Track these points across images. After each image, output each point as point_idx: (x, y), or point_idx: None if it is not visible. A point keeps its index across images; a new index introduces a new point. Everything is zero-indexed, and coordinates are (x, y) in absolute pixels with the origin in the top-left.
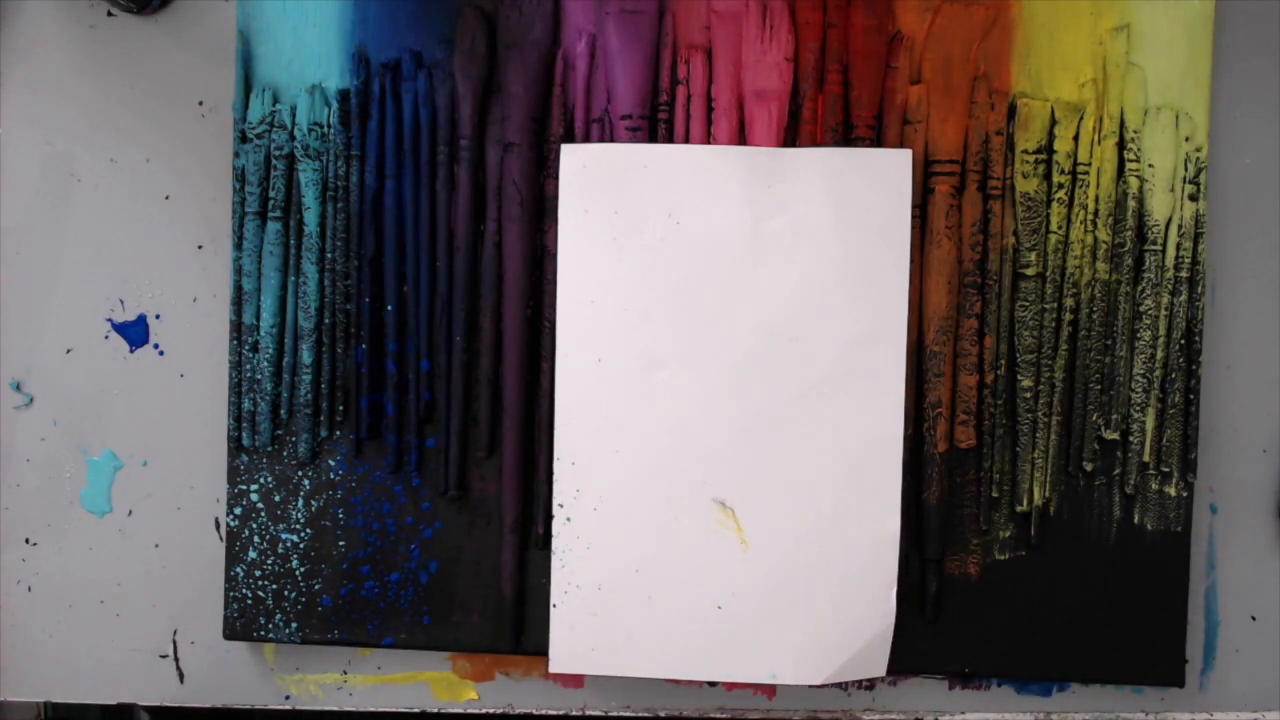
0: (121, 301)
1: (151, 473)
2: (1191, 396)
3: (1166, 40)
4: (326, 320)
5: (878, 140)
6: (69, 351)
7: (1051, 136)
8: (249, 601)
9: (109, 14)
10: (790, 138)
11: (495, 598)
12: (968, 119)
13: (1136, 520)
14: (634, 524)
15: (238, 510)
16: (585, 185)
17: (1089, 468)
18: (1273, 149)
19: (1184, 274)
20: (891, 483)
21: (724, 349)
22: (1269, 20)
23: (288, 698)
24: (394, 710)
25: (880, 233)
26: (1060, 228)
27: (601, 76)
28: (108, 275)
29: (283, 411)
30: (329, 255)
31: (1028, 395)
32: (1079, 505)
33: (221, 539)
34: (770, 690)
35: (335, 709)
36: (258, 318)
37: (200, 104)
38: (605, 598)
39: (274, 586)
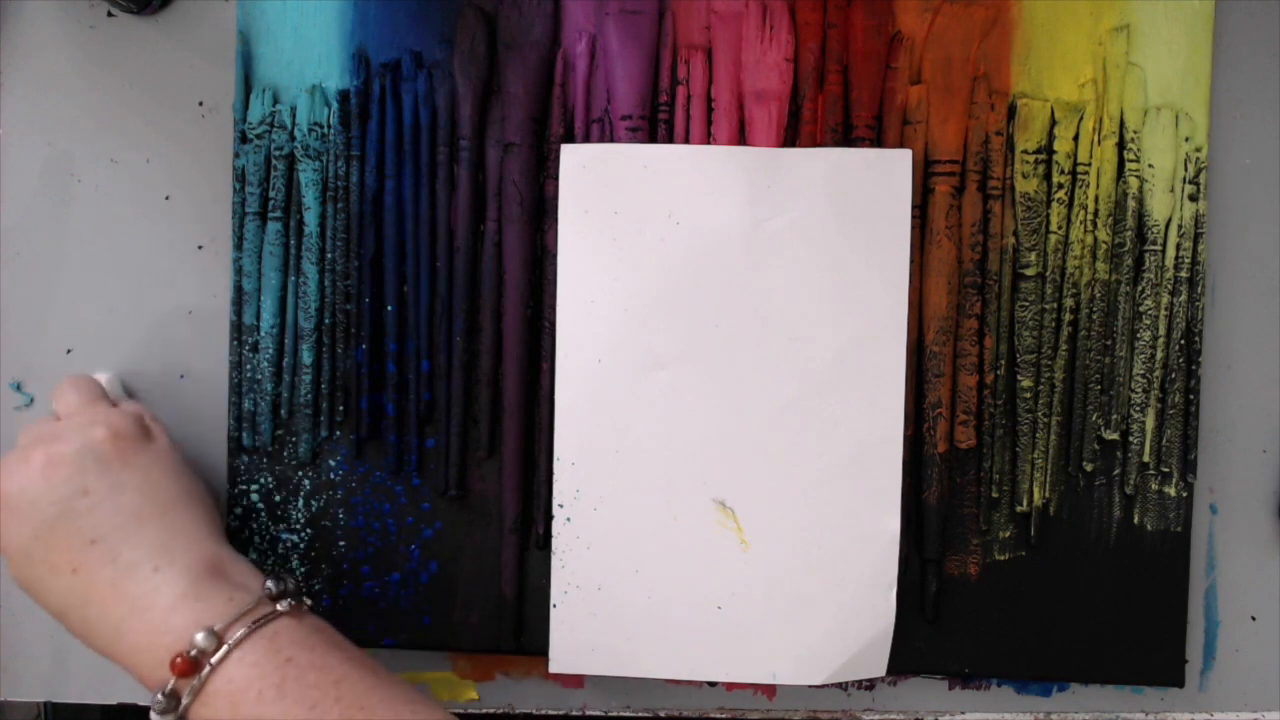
0: (121, 301)
1: None
2: (1191, 396)
3: (1166, 40)
4: (326, 320)
5: (878, 140)
6: (69, 352)
7: (1051, 136)
8: None
9: (109, 14)
10: (790, 138)
11: (495, 598)
12: (968, 119)
13: (1136, 520)
14: (634, 524)
15: (238, 510)
16: (585, 185)
17: (1089, 468)
18: (1273, 149)
19: (1184, 274)
20: (891, 483)
21: (724, 349)
22: (1269, 20)
23: None
24: None
25: (880, 233)
26: (1060, 228)
27: (601, 76)
28: (108, 275)
29: (283, 411)
30: (329, 255)
31: (1028, 395)
32: (1079, 505)
33: None
34: (770, 690)
35: None
36: (258, 318)
37: (200, 104)
38: (605, 598)
39: None
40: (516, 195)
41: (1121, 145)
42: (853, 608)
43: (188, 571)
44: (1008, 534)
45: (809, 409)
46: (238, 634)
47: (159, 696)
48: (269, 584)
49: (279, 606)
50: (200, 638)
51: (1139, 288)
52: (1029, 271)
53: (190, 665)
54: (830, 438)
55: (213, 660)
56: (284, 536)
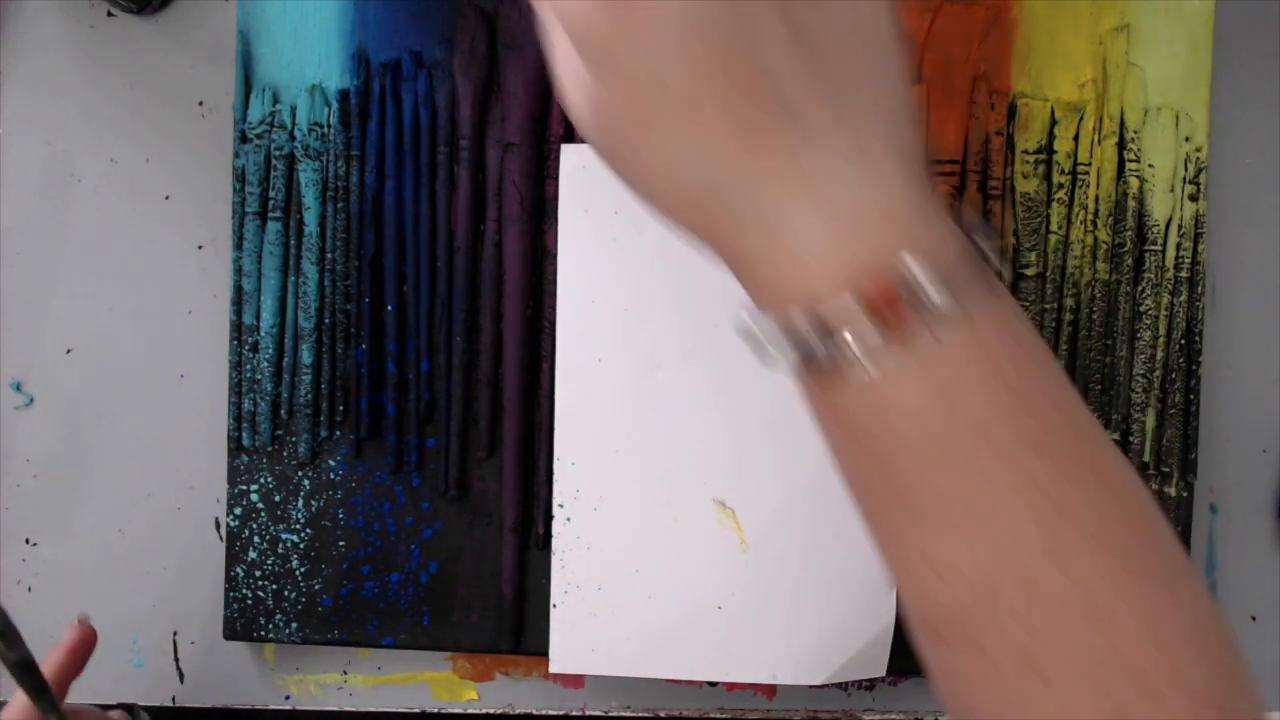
0: (121, 301)
1: (151, 473)
2: (1191, 396)
3: (1166, 40)
4: (326, 320)
5: None
6: (69, 351)
7: (1051, 136)
8: (249, 601)
9: (109, 14)
10: None
11: (495, 598)
12: (968, 119)
13: None
14: (634, 524)
15: (238, 510)
16: (585, 185)
17: None
18: (1273, 149)
19: (1184, 274)
20: None
21: (724, 349)
22: (1269, 20)
23: (288, 698)
24: (394, 710)
25: None
26: (1060, 228)
27: None
28: (108, 275)
29: (283, 411)
30: (329, 255)
31: None
32: None
33: (221, 539)
34: (770, 690)
35: (335, 709)
36: (258, 318)
37: (200, 104)
38: (605, 598)
39: (274, 586)
40: (516, 195)
41: (1121, 145)
42: (853, 608)
43: (905, 167)
44: None
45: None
46: (973, 294)
47: (798, 319)
48: (976, 231)
49: (994, 262)
50: (920, 273)
51: (1139, 288)
52: (1029, 271)
53: (892, 300)
54: None
55: (936, 324)
56: (284, 536)
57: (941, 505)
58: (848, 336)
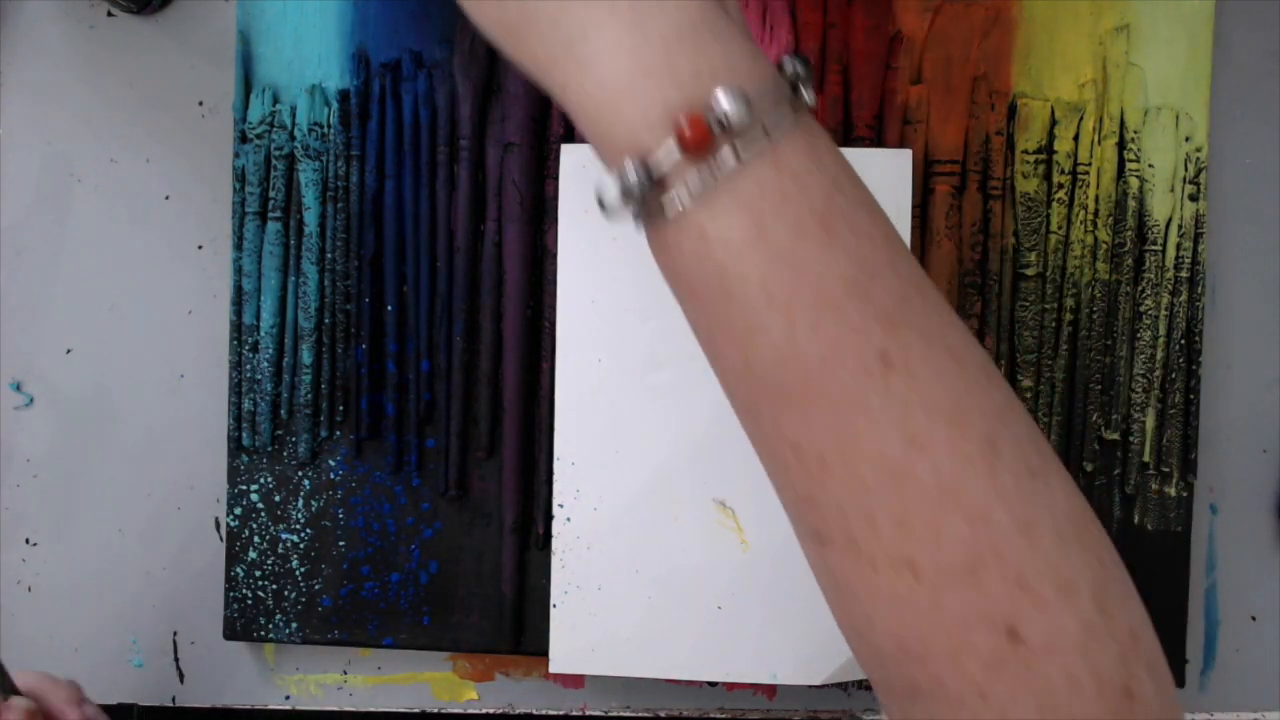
0: (121, 301)
1: (151, 473)
2: (1191, 396)
3: (1166, 40)
4: (326, 320)
5: (878, 140)
6: (69, 351)
7: (1051, 136)
8: (249, 601)
9: (109, 14)
10: None
11: (495, 598)
12: (968, 119)
13: (1136, 520)
14: (634, 524)
15: (238, 510)
16: (585, 185)
17: (1089, 468)
18: (1273, 149)
19: (1184, 274)
20: None
21: None
22: (1269, 20)
23: (288, 698)
24: (394, 710)
25: None
26: (1060, 228)
27: None
28: (108, 275)
29: (283, 411)
30: (329, 255)
31: (1028, 395)
32: None
33: (221, 539)
34: (770, 690)
35: (335, 709)
36: (258, 318)
37: (200, 104)
38: (605, 598)
39: (274, 586)
40: (516, 195)
41: (1121, 145)
42: None
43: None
44: None
45: None
46: (780, 118)
47: (629, 170)
48: (787, 59)
49: (806, 95)
50: (726, 100)
51: (1139, 288)
52: (1029, 271)
53: (705, 136)
54: None
55: (739, 144)
56: (284, 536)
57: (800, 386)
58: (668, 174)
